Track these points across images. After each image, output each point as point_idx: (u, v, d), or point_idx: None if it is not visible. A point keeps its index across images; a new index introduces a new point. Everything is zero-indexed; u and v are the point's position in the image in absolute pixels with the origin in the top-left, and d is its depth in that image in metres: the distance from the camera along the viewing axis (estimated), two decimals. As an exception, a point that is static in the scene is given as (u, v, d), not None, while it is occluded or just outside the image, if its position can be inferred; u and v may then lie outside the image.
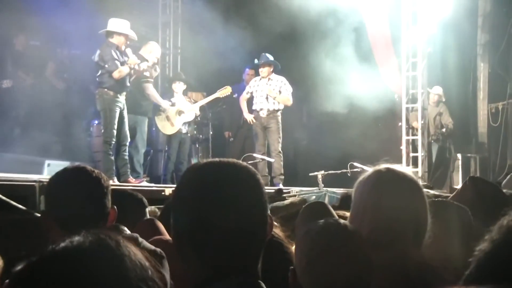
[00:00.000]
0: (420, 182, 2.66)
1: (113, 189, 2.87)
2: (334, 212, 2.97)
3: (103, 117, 9.63)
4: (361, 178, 2.58)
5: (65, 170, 2.86)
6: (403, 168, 2.62)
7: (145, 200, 4.05)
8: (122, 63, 9.67)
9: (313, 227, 2.30)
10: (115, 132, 9.64)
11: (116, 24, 9.82)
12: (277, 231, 2.51)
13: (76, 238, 1.15)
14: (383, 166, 2.57)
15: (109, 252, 1.16)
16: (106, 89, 9.59)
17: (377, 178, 2.53)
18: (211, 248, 1.69)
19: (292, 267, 2.30)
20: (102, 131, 9.88)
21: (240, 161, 1.84)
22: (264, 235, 1.77)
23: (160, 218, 3.47)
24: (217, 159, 1.81)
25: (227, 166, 1.78)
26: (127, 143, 9.98)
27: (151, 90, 10.95)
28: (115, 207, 2.85)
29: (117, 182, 9.37)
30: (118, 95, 9.68)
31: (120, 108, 9.73)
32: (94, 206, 2.75)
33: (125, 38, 9.84)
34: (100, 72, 9.62)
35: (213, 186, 1.72)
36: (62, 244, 1.15)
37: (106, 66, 9.54)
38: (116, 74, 9.55)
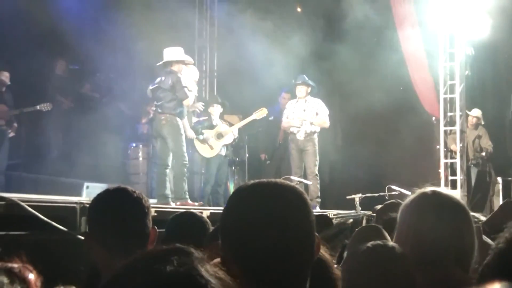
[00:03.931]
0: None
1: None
2: (387, 235, 2.94)
3: (174, 141, 9.83)
4: (407, 200, 2.56)
5: (106, 192, 2.89)
6: (450, 191, 2.59)
7: (208, 222, 4.11)
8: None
9: (361, 248, 2.28)
10: (186, 155, 9.97)
11: (173, 53, 10.07)
12: (323, 252, 2.49)
13: (168, 267, 1.14)
14: (429, 188, 2.54)
15: None
16: (173, 115, 9.85)
17: (422, 200, 2.51)
18: (259, 269, 1.68)
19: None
20: (159, 154, 10.15)
21: (287, 182, 1.83)
22: (311, 256, 1.76)
23: (211, 237, 3.49)
24: (264, 180, 1.80)
25: (274, 186, 1.77)
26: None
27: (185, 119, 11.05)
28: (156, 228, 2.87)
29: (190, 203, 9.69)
30: (181, 120, 10.01)
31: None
32: (136, 226, 2.77)
33: (182, 64, 10.15)
34: (167, 98, 9.85)
35: (261, 207, 1.71)
36: (155, 268, 1.14)
37: (177, 93, 9.81)
38: (186, 102, 9.98)
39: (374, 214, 10.23)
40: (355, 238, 3.15)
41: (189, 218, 4.12)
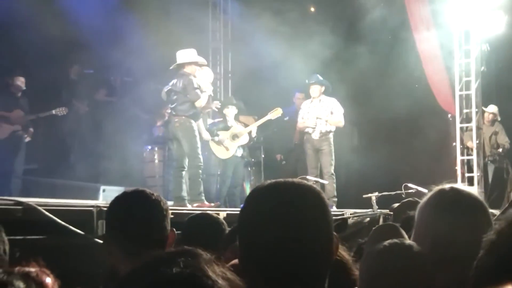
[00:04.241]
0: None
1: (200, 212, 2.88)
2: (405, 234, 2.92)
3: (188, 143, 9.86)
4: (425, 198, 2.53)
5: (124, 194, 2.89)
6: (468, 187, 2.56)
7: (225, 223, 4.12)
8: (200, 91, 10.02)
9: (378, 247, 2.27)
10: (201, 157, 9.98)
11: (185, 55, 10.10)
12: (342, 252, 2.48)
13: (174, 268, 1.15)
14: (447, 185, 2.52)
15: None
16: (187, 117, 9.88)
17: (441, 197, 2.49)
18: (278, 269, 1.67)
19: (356, 287, 2.27)
20: (175, 157, 10.22)
21: (305, 181, 1.82)
22: (330, 256, 1.75)
23: (228, 238, 3.50)
24: (281, 179, 1.80)
25: (292, 186, 1.76)
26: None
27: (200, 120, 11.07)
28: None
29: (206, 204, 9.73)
30: (195, 122, 10.03)
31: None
32: (154, 229, 2.76)
33: (195, 66, 10.14)
34: (180, 100, 9.89)
35: (279, 207, 1.70)
36: (161, 270, 1.15)
37: (188, 95, 9.83)
38: (198, 103, 9.94)
39: (391, 213, 10.21)
40: (372, 237, 3.13)
41: (205, 219, 4.12)
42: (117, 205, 2.86)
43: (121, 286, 1.19)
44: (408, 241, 2.38)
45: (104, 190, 10.50)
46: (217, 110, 11.86)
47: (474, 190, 2.58)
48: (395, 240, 2.35)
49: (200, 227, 3.92)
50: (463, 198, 2.46)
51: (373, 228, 3.46)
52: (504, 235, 1.29)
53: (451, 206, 2.42)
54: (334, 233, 1.77)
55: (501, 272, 1.23)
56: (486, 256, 1.31)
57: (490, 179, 13.42)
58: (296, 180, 1.80)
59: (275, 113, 11.71)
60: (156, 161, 12.18)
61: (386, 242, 2.29)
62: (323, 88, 11.65)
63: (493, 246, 1.30)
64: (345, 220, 6.64)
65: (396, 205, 5.49)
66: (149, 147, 12.29)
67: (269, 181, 1.79)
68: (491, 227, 2.45)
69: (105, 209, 6.01)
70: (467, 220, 2.39)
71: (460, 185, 2.55)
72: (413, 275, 2.18)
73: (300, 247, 1.67)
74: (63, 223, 5.71)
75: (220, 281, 1.15)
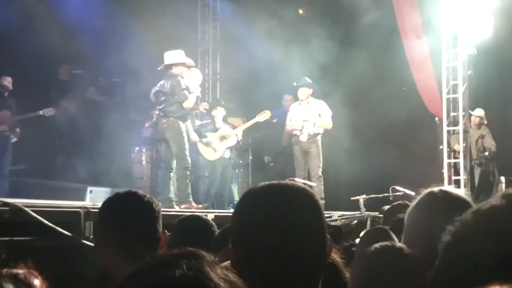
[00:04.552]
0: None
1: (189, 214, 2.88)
2: (395, 237, 2.94)
3: (176, 144, 9.88)
4: (414, 201, 2.55)
5: (117, 195, 2.87)
6: (456, 190, 2.58)
7: (214, 225, 4.12)
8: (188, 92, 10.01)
9: (369, 250, 2.28)
10: (189, 158, 9.98)
11: (173, 55, 10.10)
12: (333, 254, 2.49)
13: (177, 271, 1.14)
14: (436, 188, 2.54)
15: None
16: (175, 118, 9.89)
17: (431, 199, 2.50)
18: (271, 270, 1.67)
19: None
20: (163, 158, 10.19)
21: (298, 183, 1.82)
22: (323, 258, 1.75)
23: (218, 240, 3.50)
24: (274, 181, 1.80)
25: (285, 188, 1.77)
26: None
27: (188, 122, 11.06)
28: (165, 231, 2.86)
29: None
30: (184, 123, 10.04)
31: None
32: (147, 230, 2.75)
33: (183, 67, 10.11)
34: (168, 101, 9.90)
35: (272, 209, 1.70)
36: (164, 272, 1.15)
37: (176, 96, 9.83)
38: (186, 104, 9.94)
39: (380, 215, 10.25)
40: (363, 240, 3.14)
41: (196, 221, 4.12)
42: (109, 206, 2.84)
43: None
44: (399, 244, 2.39)
45: (91, 191, 10.46)
46: (205, 111, 11.86)
47: (462, 192, 2.58)
48: (386, 243, 2.36)
49: (190, 229, 3.92)
50: (452, 200, 2.48)
51: (364, 231, 3.47)
52: (459, 235, 1.29)
53: (442, 208, 2.43)
54: (328, 236, 1.77)
55: (461, 274, 1.23)
56: (443, 260, 1.31)
57: (476, 182, 13.48)
58: (290, 182, 1.81)
59: (264, 116, 11.73)
60: (144, 162, 12.14)
61: (377, 245, 2.29)
62: (311, 91, 11.65)
63: (450, 248, 1.29)
64: (339, 228, 6.64)
65: (386, 207, 5.50)
66: (137, 148, 12.25)
67: (262, 184, 1.79)
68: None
69: (93, 210, 6.02)
70: (457, 221, 2.40)
71: (449, 188, 2.56)
72: (404, 277, 2.19)
73: (294, 249, 1.68)
74: (50, 224, 5.67)
75: (223, 284, 1.15)
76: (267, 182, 1.80)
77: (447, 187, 2.58)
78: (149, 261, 1.20)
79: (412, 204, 2.55)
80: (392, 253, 2.27)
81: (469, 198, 2.53)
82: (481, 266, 1.19)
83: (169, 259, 1.18)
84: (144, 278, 1.16)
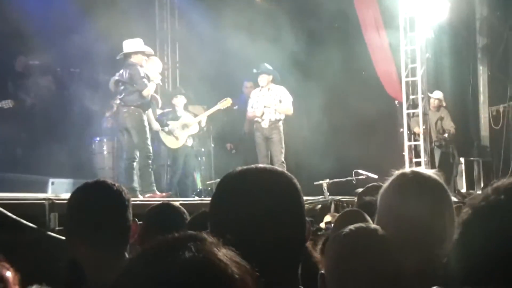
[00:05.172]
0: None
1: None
2: (369, 219, 2.95)
3: (137, 134, 9.84)
4: (386, 182, 2.56)
5: (86, 185, 2.83)
6: (428, 171, 2.60)
7: (186, 212, 4.10)
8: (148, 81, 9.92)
9: (344, 231, 2.29)
10: (150, 147, 9.93)
11: (131, 44, 10.02)
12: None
13: (186, 253, 1.13)
14: (408, 169, 2.56)
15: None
16: (135, 107, 9.83)
17: (402, 180, 2.52)
18: (252, 257, 1.67)
19: (322, 271, 2.28)
20: (125, 148, 10.19)
21: (276, 167, 1.82)
22: (304, 240, 1.76)
23: (189, 228, 3.49)
24: (253, 165, 1.80)
25: (264, 172, 1.77)
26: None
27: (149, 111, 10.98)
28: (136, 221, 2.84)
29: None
30: (144, 112, 9.97)
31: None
32: (118, 220, 2.72)
33: (142, 55, 10.01)
34: (128, 90, 9.84)
35: (253, 194, 1.70)
36: (173, 255, 1.13)
37: (135, 85, 9.74)
38: (145, 93, 9.86)
39: (343, 199, 10.34)
40: (337, 223, 3.16)
41: (167, 209, 4.11)
42: (78, 196, 2.79)
43: (128, 272, 1.16)
44: (373, 225, 2.40)
45: (53, 183, 10.32)
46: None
47: (433, 172, 2.60)
48: (361, 224, 2.37)
49: (163, 217, 3.90)
50: (424, 180, 2.50)
51: (328, 214, 3.50)
52: (471, 227, 1.30)
53: (414, 188, 2.45)
54: (307, 219, 1.78)
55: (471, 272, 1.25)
56: (456, 252, 1.33)
57: (437, 164, 13.68)
58: (268, 166, 1.81)
59: (225, 103, 11.71)
60: (105, 152, 12.02)
61: (352, 226, 2.30)
62: (271, 77, 11.64)
63: (462, 241, 1.31)
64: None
65: (359, 190, 5.54)
66: (98, 139, 12.13)
67: (240, 168, 1.79)
68: (451, 209, 2.50)
69: (58, 202, 5.96)
70: (430, 202, 2.43)
71: (421, 169, 2.59)
72: (380, 259, 2.20)
73: (275, 231, 1.68)
74: (14, 216, 5.60)
75: (232, 264, 1.15)
76: (245, 167, 1.79)
77: (418, 168, 2.60)
78: (153, 245, 1.18)
79: (384, 186, 2.56)
80: (367, 235, 2.28)
81: (440, 179, 2.55)
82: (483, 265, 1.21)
83: (174, 242, 1.17)
84: (153, 261, 1.13)
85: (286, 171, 1.82)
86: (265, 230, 1.67)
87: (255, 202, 1.69)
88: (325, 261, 2.35)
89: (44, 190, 9.78)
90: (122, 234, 2.71)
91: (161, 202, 4.57)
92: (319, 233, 5.12)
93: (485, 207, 1.30)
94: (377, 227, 2.37)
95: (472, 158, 14.16)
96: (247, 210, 1.68)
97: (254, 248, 1.66)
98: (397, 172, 2.57)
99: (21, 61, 12.27)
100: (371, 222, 2.83)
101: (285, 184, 1.75)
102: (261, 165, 1.81)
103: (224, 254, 1.17)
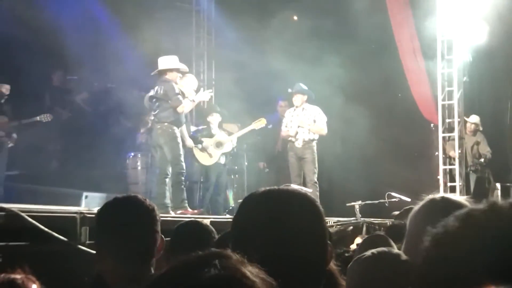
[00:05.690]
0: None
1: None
2: (394, 244, 2.92)
3: (170, 150, 9.87)
4: (415, 207, 2.53)
5: (115, 200, 2.83)
6: (458, 197, 2.57)
7: (214, 230, 4.10)
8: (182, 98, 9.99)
9: (366, 254, 2.27)
10: (183, 164, 9.95)
11: (167, 61, 10.09)
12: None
13: (212, 270, 1.12)
14: (438, 195, 2.52)
15: None
16: (169, 123, 9.89)
17: (431, 205, 2.48)
18: (273, 275, 1.66)
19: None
20: (158, 164, 10.23)
21: (298, 189, 1.81)
22: (325, 263, 1.74)
23: (217, 246, 3.49)
24: (275, 187, 1.79)
25: (286, 193, 1.76)
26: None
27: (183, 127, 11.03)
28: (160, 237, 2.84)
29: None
30: (178, 129, 10.02)
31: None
32: (147, 235, 2.72)
33: (177, 72, 10.11)
34: (162, 107, 9.90)
35: (275, 214, 1.69)
36: (198, 272, 1.12)
37: (169, 101, 9.80)
38: (180, 109, 9.90)
39: (375, 221, 10.27)
40: (361, 247, 3.14)
41: (195, 227, 4.11)
42: (108, 211, 2.81)
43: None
44: (396, 250, 2.37)
45: (86, 197, 10.44)
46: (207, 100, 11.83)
47: (463, 199, 2.56)
48: (383, 248, 2.35)
49: (190, 235, 3.90)
50: (453, 207, 2.46)
51: (359, 237, 3.48)
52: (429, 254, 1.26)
53: (443, 215, 2.41)
54: (329, 242, 1.76)
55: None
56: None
57: (472, 189, 13.49)
58: (290, 188, 1.80)
59: (259, 123, 11.73)
60: (139, 167, 12.11)
61: (374, 250, 2.29)
62: (305, 97, 11.65)
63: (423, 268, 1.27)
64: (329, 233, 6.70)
65: (396, 213, 5.50)
66: (132, 154, 12.23)
67: (263, 189, 1.78)
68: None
69: (89, 215, 5.99)
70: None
71: (450, 195, 2.55)
72: (400, 283, 2.17)
73: (296, 254, 1.66)
74: (46, 229, 5.64)
75: (258, 281, 1.14)
76: (267, 188, 1.78)
77: (449, 195, 2.56)
78: (178, 262, 1.17)
79: (413, 210, 2.54)
80: (388, 259, 2.26)
81: (471, 205, 2.50)
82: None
83: (199, 259, 1.16)
84: (178, 279, 1.12)
85: (308, 193, 1.81)
86: (284, 252, 1.65)
87: (275, 223, 1.68)
88: (346, 283, 2.33)
89: (77, 204, 9.88)
90: (148, 250, 2.71)
91: (190, 219, 4.57)
92: (346, 254, 5.08)
93: (441, 234, 1.27)
94: (400, 252, 2.34)
95: (508, 184, 13.89)
96: (267, 231, 1.67)
97: (274, 269, 1.65)
98: (427, 197, 2.54)
99: (59, 76, 12.47)
100: (395, 247, 2.80)
101: (307, 206, 1.74)
102: (284, 187, 1.80)
103: (250, 271, 1.16)
